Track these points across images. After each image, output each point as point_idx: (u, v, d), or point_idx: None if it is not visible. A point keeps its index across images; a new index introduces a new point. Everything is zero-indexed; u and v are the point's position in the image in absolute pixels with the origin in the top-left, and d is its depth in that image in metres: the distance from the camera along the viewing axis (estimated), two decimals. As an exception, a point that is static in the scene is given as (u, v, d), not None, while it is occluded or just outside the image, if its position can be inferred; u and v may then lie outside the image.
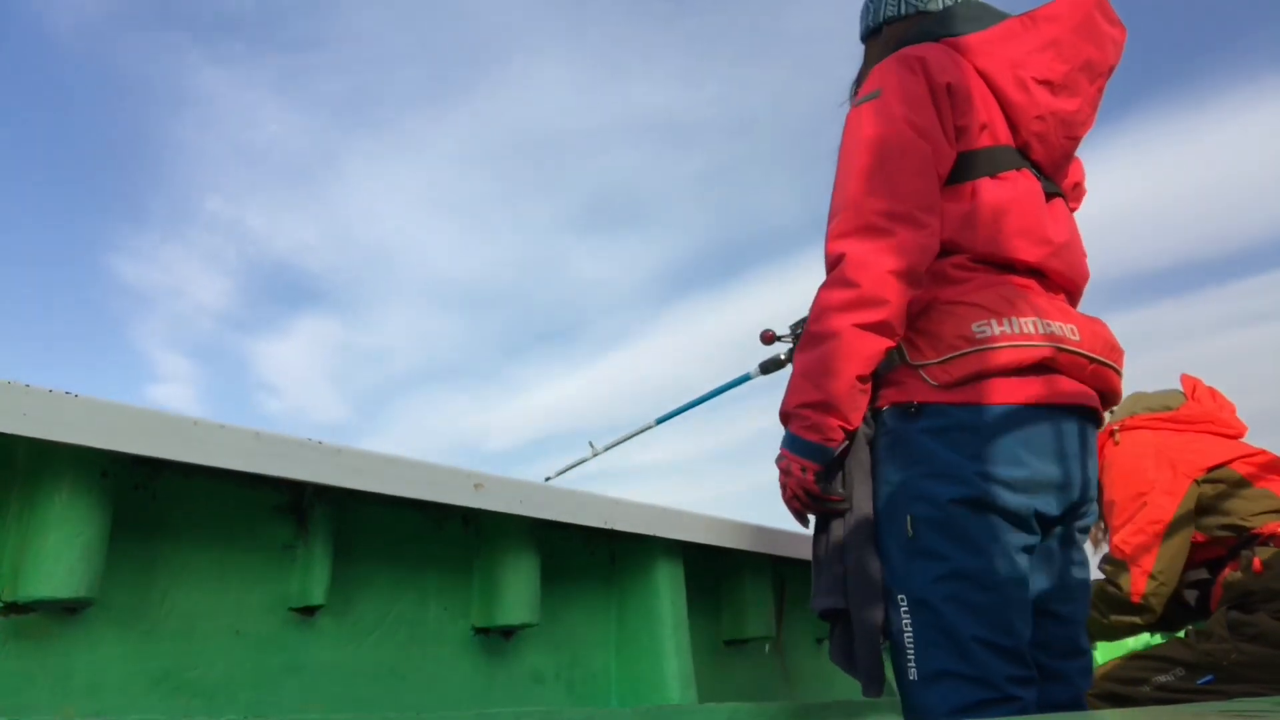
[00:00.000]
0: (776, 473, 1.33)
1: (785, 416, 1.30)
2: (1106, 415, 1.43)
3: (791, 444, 1.29)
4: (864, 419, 1.29)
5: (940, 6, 1.44)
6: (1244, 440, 2.26)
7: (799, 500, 1.32)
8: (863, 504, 1.29)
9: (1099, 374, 1.30)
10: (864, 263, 1.22)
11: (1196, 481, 2.14)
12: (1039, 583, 1.29)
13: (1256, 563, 2.01)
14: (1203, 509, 2.14)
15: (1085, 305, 1.46)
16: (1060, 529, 1.31)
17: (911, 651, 1.21)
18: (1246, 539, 2.08)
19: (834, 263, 1.27)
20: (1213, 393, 2.36)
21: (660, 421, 2.52)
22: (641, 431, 2.53)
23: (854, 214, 1.26)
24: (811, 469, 1.27)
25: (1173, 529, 2.09)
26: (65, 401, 1.05)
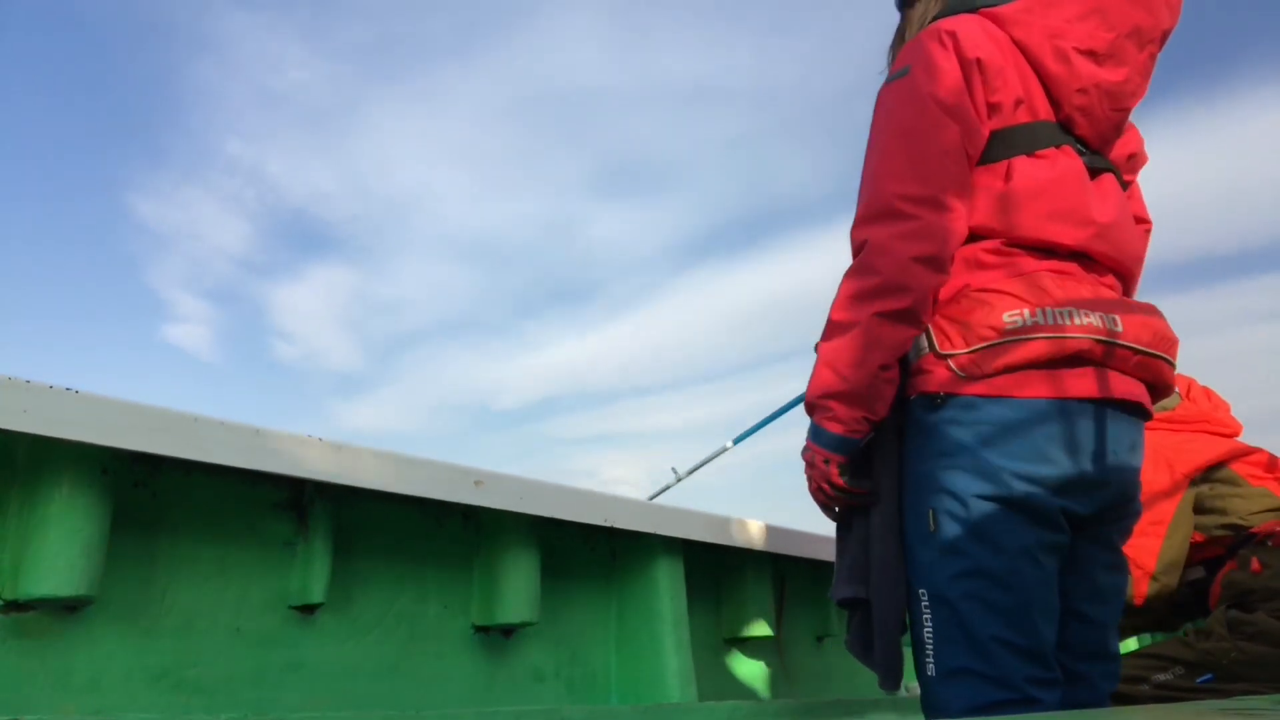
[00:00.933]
0: (740, 448, 1.31)
1: (809, 407, 1.27)
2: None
3: (816, 435, 1.26)
4: (891, 408, 1.25)
5: None
6: (1240, 439, 2.26)
7: (824, 493, 1.29)
8: (888, 495, 1.25)
9: (1146, 366, 1.23)
10: (885, 249, 1.18)
11: (1194, 481, 2.14)
12: (1067, 583, 1.24)
13: (1255, 562, 2.01)
14: (1200, 508, 2.14)
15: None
16: (1095, 528, 1.25)
17: (931, 647, 1.19)
18: (1245, 538, 2.08)
19: (857, 249, 1.24)
20: (1207, 392, 2.36)
21: (737, 441, 2.52)
22: (720, 454, 2.52)
23: (876, 198, 1.22)
24: (836, 460, 1.24)
25: (1173, 530, 2.09)
26: (65, 398, 1.05)
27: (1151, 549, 2.09)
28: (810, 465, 1.28)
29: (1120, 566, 1.31)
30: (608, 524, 1.66)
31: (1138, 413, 1.27)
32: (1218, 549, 2.13)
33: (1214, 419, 2.26)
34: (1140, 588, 2.08)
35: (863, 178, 1.27)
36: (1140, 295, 1.39)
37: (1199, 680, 1.97)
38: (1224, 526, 2.11)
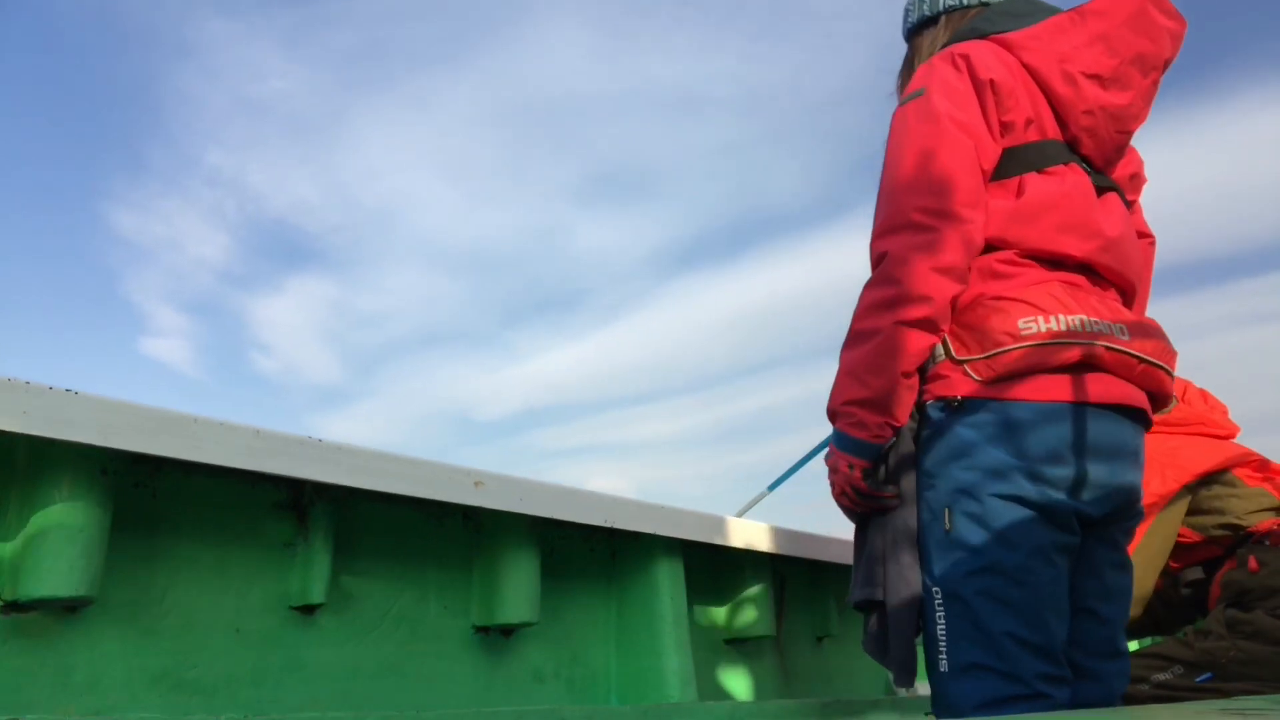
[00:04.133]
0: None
1: (832, 414, 1.30)
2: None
3: (839, 441, 1.29)
4: (909, 414, 1.28)
5: None
6: (1236, 440, 2.27)
7: (847, 497, 1.32)
8: (906, 497, 1.28)
9: (1149, 374, 1.28)
10: (905, 259, 1.22)
11: (1188, 486, 2.14)
12: (1078, 582, 1.27)
13: (1253, 561, 2.02)
14: (1198, 509, 2.14)
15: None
16: (1102, 529, 1.29)
17: (944, 643, 1.21)
18: (1242, 538, 2.09)
19: (877, 260, 1.27)
20: (1203, 394, 2.37)
21: (772, 488, 2.54)
22: (760, 499, 2.54)
23: (895, 211, 1.26)
24: (859, 465, 1.27)
25: (1150, 534, 2.09)
26: (65, 399, 1.05)
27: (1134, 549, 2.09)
28: (834, 470, 1.31)
29: (1126, 566, 1.35)
30: (608, 524, 1.66)
31: (1141, 420, 1.31)
32: (1216, 549, 2.13)
33: (1210, 421, 2.26)
34: None
35: (880, 193, 1.31)
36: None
37: (1198, 679, 1.97)
38: (1222, 526, 2.12)
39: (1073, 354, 1.20)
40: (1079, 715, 0.96)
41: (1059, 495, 1.19)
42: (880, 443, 1.27)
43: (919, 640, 1.28)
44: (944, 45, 1.40)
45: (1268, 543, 2.03)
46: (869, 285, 1.28)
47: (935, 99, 1.28)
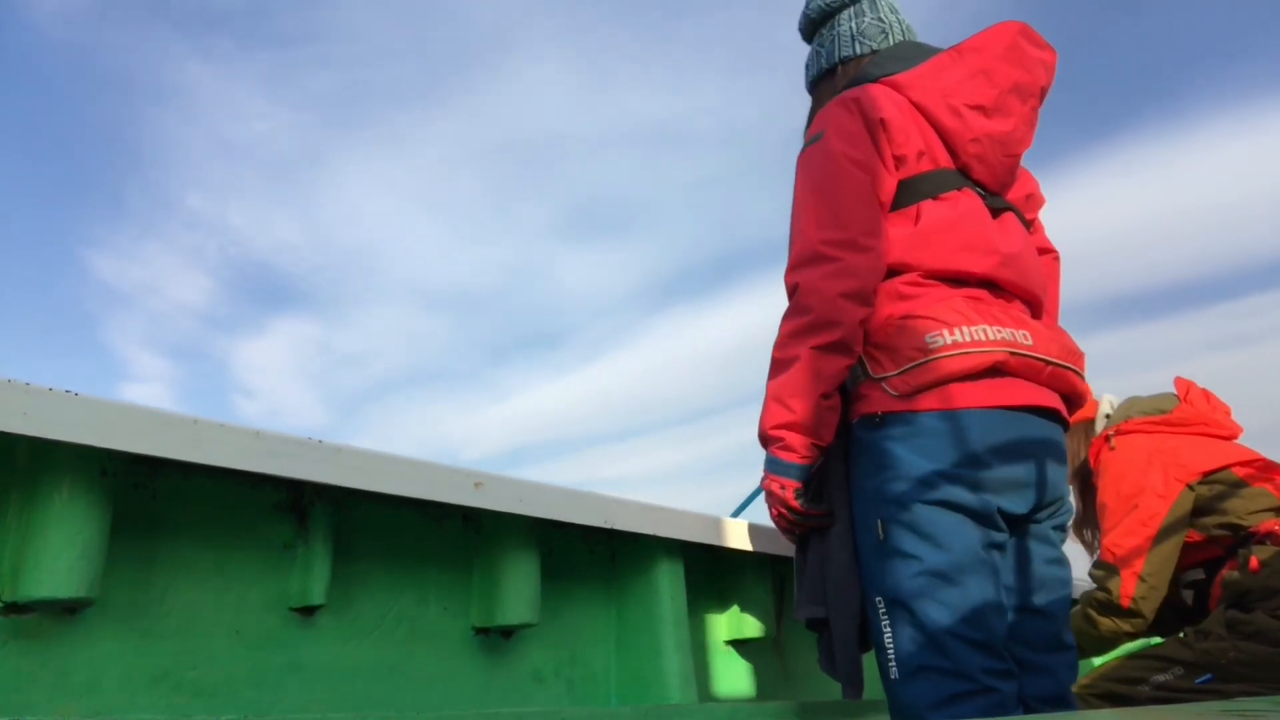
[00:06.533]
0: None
1: (763, 439, 1.39)
2: (1100, 422, 1.45)
3: (771, 465, 1.38)
4: (838, 435, 1.37)
5: (890, 43, 1.54)
6: (1239, 442, 2.26)
7: (784, 519, 1.40)
8: (839, 515, 1.36)
9: (1057, 376, 1.35)
10: (815, 289, 1.32)
11: (1190, 485, 2.14)
12: (1013, 579, 1.33)
13: (1253, 561, 2.01)
14: (1199, 509, 2.14)
15: (1068, 322, 1.50)
16: (1031, 526, 1.35)
17: (891, 651, 1.26)
18: (1243, 538, 2.09)
19: (791, 292, 1.37)
20: (1206, 395, 2.37)
21: (735, 515, 2.58)
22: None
23: (804, 246, 1.37)
24: (791, 486, 1.35)
25: (1164, 533, 2.09)
26: (65, 400, 1.05)
27: (1140, 549, 2.09)
28: (769, 494, 1.39)
29: (1061, 560, 1.41)
30: (608, 525, 1.66)
31: (1054, 418, 1.38)
32: (1216, 549, 2.13)
33: (1212, 421, 2.26)
34: (1127, 587, 2.09)
35: (791, 231, 1.42)
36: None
37: (1198, 680, 1.97)
38: (1222, 526, 2.11)
39: (980, 361, 1.27)
40: (1080, 715, 0.96)
41: (981, 496, 1.26)
42: (808, 463, 1.35)
43: (868, 654, 1.34)
44: (841, 90, 1.50)
45: (1269, 543, 2.03)
46: (785, 316, 1.38)
47: (832, 140, 1.38)
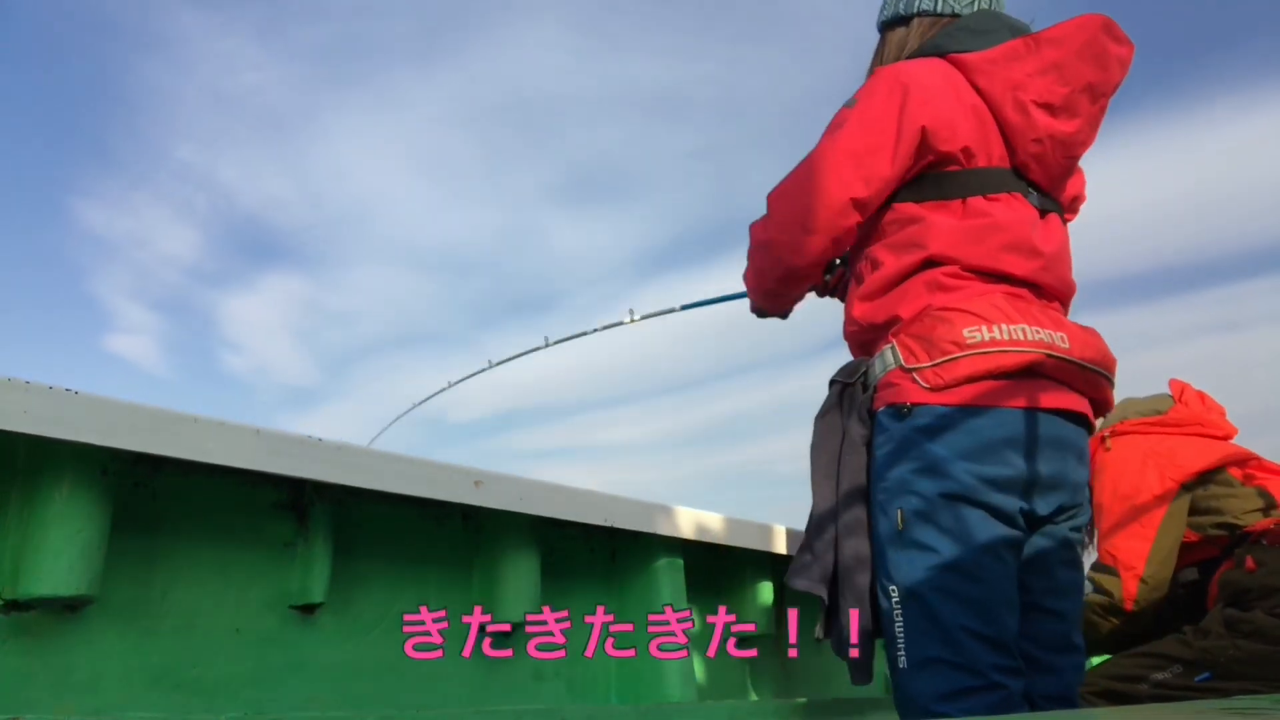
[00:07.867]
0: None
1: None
2: (1098, 422, 1.45)
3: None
4: (862, 421, 1.36)
5: (975, 9, 1.47)
6: (1234, 441, 2.27)
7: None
8: (857, 501, 1.34)
9: (1090, 381, 1.34)
10: (747, 275, 1.53)
11: (1186, 485, 2.14)
12: (1029, 578, 1.32)
13: (1250, 560, 2.02)
14: (1195, 509, 2.15)
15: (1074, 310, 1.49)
16: (1049, 527, 1.34)
17: (901, 640, 1.26)
18: (1240, 537, 2.09)
19: (768, 208, 1.45)
20: (1201, 396, 2.37)
21: (684, 308, 2.50)
22: (668, 312, 2.52)
23: (767, 220, 1.45)
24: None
25: (1163, 533, 2.10)
26: (65, 399, 1.05)
27: (1140, 550, 2.10)
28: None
29: (1077, 564, 1.40)
30: (608, 524, 1.66)
31: (1083, 423, 1.37)
32: (1213, 549, 2.14)
33: (1207, 421, 2.27)
34: (1129, 589, 2.09)
35: (804, 159, 1.40)
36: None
37: (1197, 679, 1.98)
38: (1219, 526, 2.12)
39: (1017, 361, 1.26)
40: (1079, 715, 0.97)
41: (1004, 495, 1.25)
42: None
43: (879, 641, 1.33)
44: (910, 53, 1.46)
45: (1265, 542, 2.03)
46: (751, 234, 1.51)
47: (851, 123, 1.35)
